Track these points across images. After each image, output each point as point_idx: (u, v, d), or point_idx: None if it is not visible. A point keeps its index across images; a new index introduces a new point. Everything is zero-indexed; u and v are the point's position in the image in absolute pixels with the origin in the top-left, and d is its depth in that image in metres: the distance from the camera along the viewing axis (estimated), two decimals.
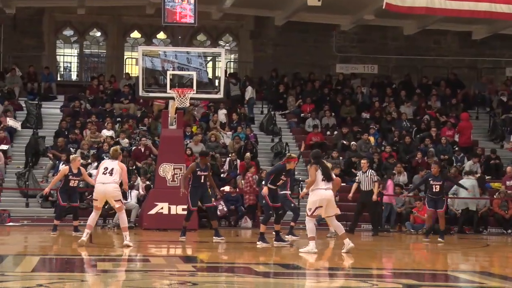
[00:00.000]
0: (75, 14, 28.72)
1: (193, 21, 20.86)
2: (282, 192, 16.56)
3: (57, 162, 22.84)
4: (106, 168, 14.29)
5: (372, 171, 19.99)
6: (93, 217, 14.61)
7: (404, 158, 24.36)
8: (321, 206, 13.61)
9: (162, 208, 18.12)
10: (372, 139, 25.22)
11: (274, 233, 15.68)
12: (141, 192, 21.39)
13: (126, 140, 24.08)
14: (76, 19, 29.81)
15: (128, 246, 14.22)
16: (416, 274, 11.47)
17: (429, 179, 17.82)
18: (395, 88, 28.70)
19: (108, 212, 20.67)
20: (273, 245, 15.30)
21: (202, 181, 16.38)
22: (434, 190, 17.61)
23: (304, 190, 14.41)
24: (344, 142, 25.05)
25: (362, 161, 20.11)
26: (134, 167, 22.61)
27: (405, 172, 23.49)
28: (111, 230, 19.71)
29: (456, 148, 25.12)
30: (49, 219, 21.12)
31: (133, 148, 23.74)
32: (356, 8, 26.81)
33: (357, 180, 19.69)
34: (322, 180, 13.57)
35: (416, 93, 28.33)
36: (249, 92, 27.41)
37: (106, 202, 15.03)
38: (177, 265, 12.03)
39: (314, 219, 13.91)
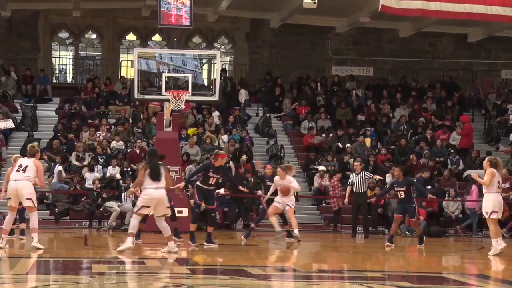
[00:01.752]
0: (70, 17, 28.70)
1: (188, 24, 20.86)
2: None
3: (52, 164, 22.82)
4: (20, 166, 13.69)
5: (366, 172, 19.99)
6: (9, 219, 14.04)
7: (399, 160, 24.38)
8: (149, 206, 13.38)
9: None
10: (368, 141, 25.23)
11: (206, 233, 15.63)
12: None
13: (121, 143, 24.08)
14: (71, 21, 29.78)
15: (37, 248, 13.68)
16: (411, 276, 11.47)
17: (394, 185, 17.01)
18: (391, 90, 28.71)
19: (103, 215, 20.71)
20: (204, 246, 15.26)
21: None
22: (399, 196, 16.67)
23: (131, 189, 14.01)
24: (339, 144, 25.06)
25: (355, 163, 20.11)
26: (129, 169, 22.62)
27: None
28: (106, 232, 19.68)
29: (452, 151, 25.15)
30: (44, 221, 21.10)
31: (129, 150, 23.74)
32: (351, 11, 26.83)
33: (349, 183, 19.68)
34: (151, 179, 13.28)
35: (412, 96, 28.36)
36: (243, 95, 27.41)
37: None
38: (172, 268, 12.01)
39: (139, 217, 13.65)
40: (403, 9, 23.03)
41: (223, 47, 31.17)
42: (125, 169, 22.69)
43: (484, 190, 14.71)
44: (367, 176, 19.56)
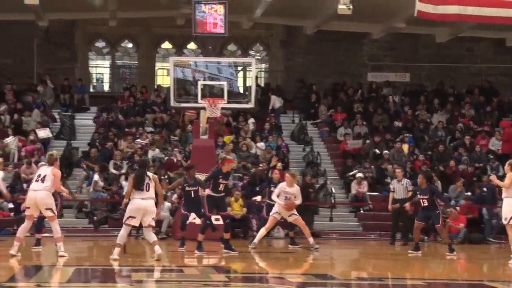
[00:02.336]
0: (106, 26, 28.93)
1: (223, 31, 20.90)
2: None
3: (91, 173, 22.99)
4: (39, 175, 13.90)
5: (407, 180, 19.80)
6: (25, 227, 14.11)
7: (437, 167, 24.14)
8: (135, 217, 13.49)
9: (195, 218, 18.08)
10: (406, 147, 25.02)
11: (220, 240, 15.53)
12: (172, 202, 21.45)
13: (158, 150, 24.18)
14: (108, 30, 30.04)
15: (63, 256, 13.84)
16: (453, 284, 11.34)
17: (417, 192, 16.66)
18: (428, 96, 28.48)
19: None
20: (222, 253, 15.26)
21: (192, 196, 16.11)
22: (422, 204, 16.24)
23: (125, 199, 14.04)
24: (376, 151, 24.89)
25: (397, 170, 19.94)
26: (166, 177, 22.68)
27: (439, 181, 23.26)
28: (145, 240, 19.71)
29: (491, 156, 24.83)
30: (84, 229, 21.31)
31: (166, 158, 23.82)
32: (387, 16, 26.67)
33: (391, 189, 19.52)
34: (136, 189, 13.39)
35: (449, 101, 28.10)
36: (273, 101, 27.37)
37: None
38: (210, 275, 12.01)
39: (128, 227, 13.72)
40: (439, 14, 22.81)
41: (258, 54, 31.20)
42: (161, 177, 22.74)
43: (503, 195, 14.41)
44: (407, 184, 19.37)
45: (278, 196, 16.69)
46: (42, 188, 13.80)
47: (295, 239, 17.66)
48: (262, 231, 16.88)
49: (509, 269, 14.37)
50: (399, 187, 19.24)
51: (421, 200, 16.27)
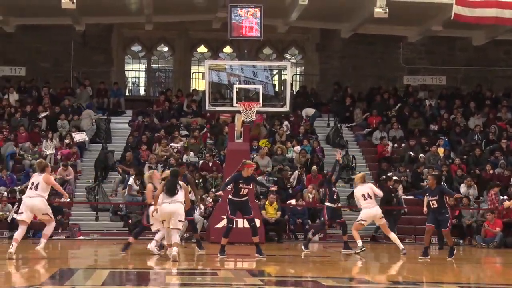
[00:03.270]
0: (142, 30, 29.12)
1: (259, 35, 20.91)
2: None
3: (126, 176, 23.13)
4: (32, 183, 14.37)
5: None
6: (20, 232, 14.39)
7: (473, 171, 23.91)
8: (164, 220, 14.51)
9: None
10: (441, 151, 24.81)
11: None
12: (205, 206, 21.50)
13: (193, 154, 24.26)
14: (143, 34, 30.22)
15: (41, 253, 14.29)
16: None
17: (426, 193, 16.33)
18: (464, 99, 28.24)
19: None
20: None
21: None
22: (431, 206, 15.89)
23: (154, 206, 14.54)
24: (411, 154, 24.71)
25: (429, 177, 19.73)
26: (201, 181, 22.76)
27: (475, 185, 23.05)
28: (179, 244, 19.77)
29: None
30: (119, 233, 21.44)
31: (201, 162, 23.89)
32: (423, 19, 26.48)
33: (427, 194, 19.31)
34: (165, 194, 14.30)
35: (486, 105, 27.81)
36: (305, 113, 27.35)
37: None
38: (245, 279, 11.97)
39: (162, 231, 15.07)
40: (476, 17, 22.62)
41: (293, 58, 31.16)
42: (196, 181, 22.82)
43: None
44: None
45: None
46: (36, 195, 14.26)
47: (348, 243, 17.50)
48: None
49: None
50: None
51: (430, 202, 15.93)
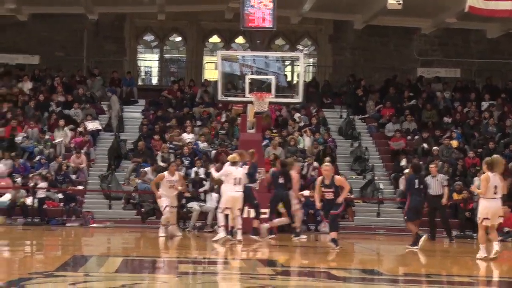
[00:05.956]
0: (155, 20, 29.10)
1: (271, 26, 20.86)
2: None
3: (139, 165, 23.12)
4: None
5: (442, 175, 19.48)
6: None
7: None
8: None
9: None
10: (455, 143, 24.68)
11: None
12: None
13: (206, 144, 24.22)
14: (156, 24, 30.19)
15: None
16: (503, 282, 11.16)
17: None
18: (479, 92, 28.07)
19: (187, 215, 20.87)
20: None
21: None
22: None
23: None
24: (425, 146, 24.60)
25: (431, 165, 19.64)
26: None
27: None
28: (191, 232, 19.81)
29: None
30: (131, 221, 21.45)
31: (213, 152, 23.84)
32: (437, 11, 26.34)
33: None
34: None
35: (501, 97, 27.64)
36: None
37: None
38: (257, 269, 11.97)
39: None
40: (491, 10, 22.47)
41: (306, 49, 31.05)
42: (208, 171, 22.79)
43: None
44: (442, 179, 19.05)
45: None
46: None
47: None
48: None
49: None
50: (434, 183, 18.89)
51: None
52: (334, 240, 14.85)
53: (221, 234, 15.81)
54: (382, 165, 24.79)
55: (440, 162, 22.76)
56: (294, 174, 17.79)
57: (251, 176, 17.11)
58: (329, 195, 14.66)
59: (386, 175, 24.13)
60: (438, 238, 19.16)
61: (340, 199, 14.58)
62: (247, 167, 17.13)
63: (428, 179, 18.98)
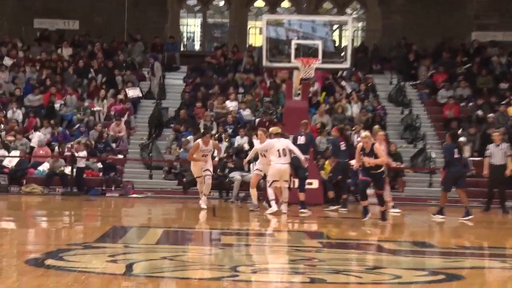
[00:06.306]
0: None
1: None
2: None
3: (180, 134, 22.51)
4: None
5: (507, 144, 18.50)
6: None
7: None
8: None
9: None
10: (511, 110, 23.57)
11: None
12: None
13: (249, 111, 23.47)
14: None
15: None
16: None
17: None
18: None
19: (230, 185, 20.22)
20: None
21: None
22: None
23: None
24: (480, 113, 23.53)
25: (495, 133, 18.71)
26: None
27: None
28: (234, 203, 19.18)
29: None
30: (173, 191, 20.91)
31: (257, 120, 23.10)
32: None
33: (487, 154, 18.30)
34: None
35: None
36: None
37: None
38: (303, 241, 11.63)
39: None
40: None
41: (354, 12, 30.19)
42: (253, 140, 22.07)
43: None
44: (507, 148, 18.11)
45: None
46: None
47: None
48: None
49: None
50: (497, 152, 17.98)
51: None
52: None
53: (273, 207, 15.20)
54: (434, 133, 23.89)
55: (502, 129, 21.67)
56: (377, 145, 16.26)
57: (306, 147, 16.49)
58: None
59: (438, 144, 23.16)
60: (492, 209, 18.30)
61: (357, 165, 14.47)
62: (303, 137, 16.61)
63: (491, 147, 18.14)
